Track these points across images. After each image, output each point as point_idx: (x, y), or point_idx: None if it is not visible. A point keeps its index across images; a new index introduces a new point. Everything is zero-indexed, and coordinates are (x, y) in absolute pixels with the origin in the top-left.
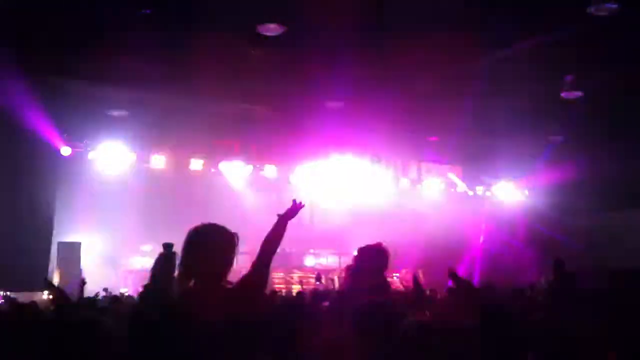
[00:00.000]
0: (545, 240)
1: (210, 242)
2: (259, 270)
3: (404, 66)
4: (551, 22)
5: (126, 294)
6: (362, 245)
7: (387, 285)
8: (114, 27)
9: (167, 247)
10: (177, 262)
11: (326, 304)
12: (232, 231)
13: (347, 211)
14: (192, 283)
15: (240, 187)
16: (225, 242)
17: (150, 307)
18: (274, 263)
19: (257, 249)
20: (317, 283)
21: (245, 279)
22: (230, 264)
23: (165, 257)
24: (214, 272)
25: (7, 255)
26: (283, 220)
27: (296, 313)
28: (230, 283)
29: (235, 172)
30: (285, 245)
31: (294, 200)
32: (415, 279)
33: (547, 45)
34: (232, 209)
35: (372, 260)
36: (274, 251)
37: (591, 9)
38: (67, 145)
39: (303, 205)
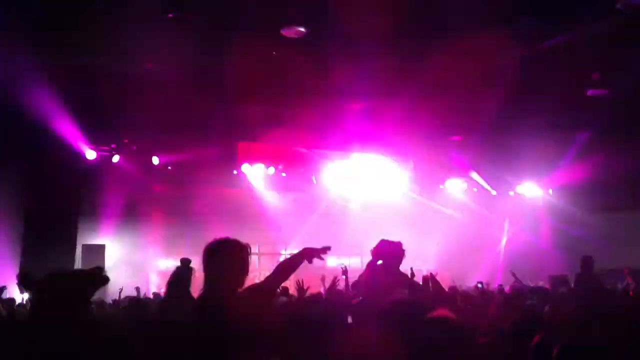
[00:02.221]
0: (569, 240)
1: (223, 257)
2: (270, 286)
3: (428, 66)
4: (578, 19)
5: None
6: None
7: (409, 281)
8: (140, 30)
9: (184, 262)
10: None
11: (355, 301)
12: (244, 243)
13: (369, 211)
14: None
15: (263, 188)
16: (236, 254)
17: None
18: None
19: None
20: (343, 277)
21: (256, 287)
22: (245, 273)
23: (181, 270)
24: (230, 283)
25: (31, 258)
26: (303, 257)
27: (320, 312)
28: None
29: (258, 173)
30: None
31: (326, 248)
32: (433, 279)
33: (574, 43)
34: (255, 210)
35: (389, 253)
36: (285, 278)
37: (619, 5)
38: (93, 149)
39: (329, 250)
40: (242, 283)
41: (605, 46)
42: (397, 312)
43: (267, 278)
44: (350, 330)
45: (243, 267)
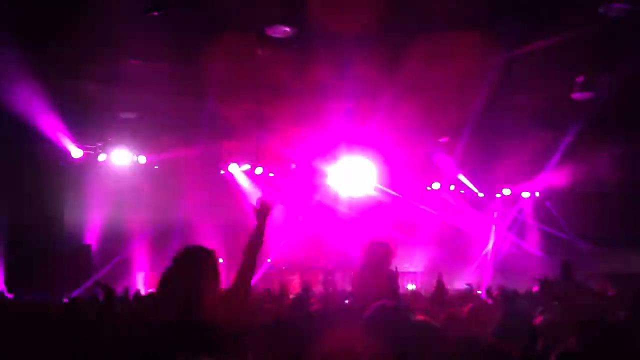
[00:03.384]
0: (555, 242)
1: (186, 267)
2: (238, 287)
3: (414, 67)
4: (563, 23)
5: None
6: (369, 241)
7: (395, 284)
8: (124, 29)
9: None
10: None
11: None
12: (209, 249)
13: (356, 212)
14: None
15: (250, 189)
16: (198, 263)
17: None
18: (286, 264)
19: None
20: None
21: (224, 296)
22: (208, 281)
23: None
24: (191, 294)
25: (16, 258)
26: (261, 222)
27: (305, 315)
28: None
29: (244, 173)
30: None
31: (259, 200)
32: (439, 281)
33: (559, 46)
34: (241, 210)
35: (377, 254)
36: (253, 261)
37: (602, 10)
38: (79, 147)
39: (267, 202)
40: (204, 293)
41: (589, 49)
42: (382, 316)
43: (236, 275)
44: (335, 332)
45: (205, 277)
